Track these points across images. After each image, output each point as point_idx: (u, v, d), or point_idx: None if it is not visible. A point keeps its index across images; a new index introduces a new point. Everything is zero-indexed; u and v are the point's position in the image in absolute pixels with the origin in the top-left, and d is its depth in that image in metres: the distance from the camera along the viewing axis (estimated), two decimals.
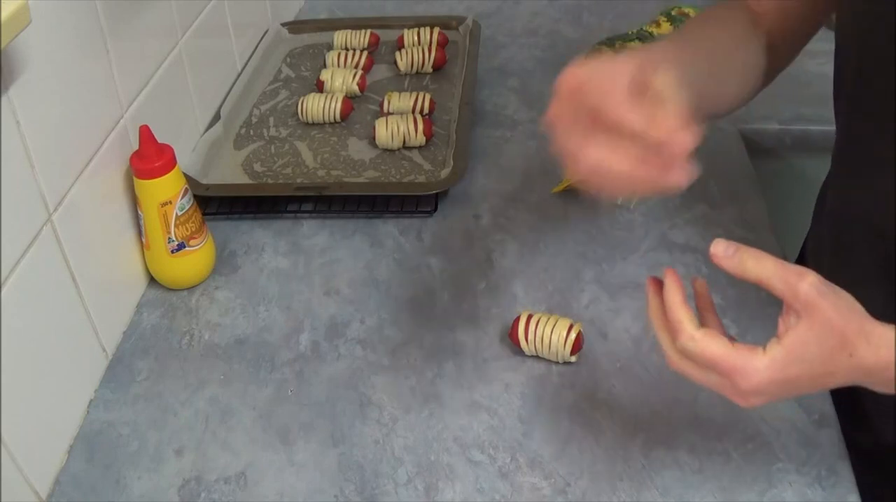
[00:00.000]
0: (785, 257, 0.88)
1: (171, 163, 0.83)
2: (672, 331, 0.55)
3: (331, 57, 1.22)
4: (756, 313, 0.81)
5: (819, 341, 0.52)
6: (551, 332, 0.75)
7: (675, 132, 0.51)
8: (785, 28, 0.74)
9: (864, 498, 0.66)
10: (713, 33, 0.72)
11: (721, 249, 0.54)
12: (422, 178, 1.00)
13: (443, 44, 1.24)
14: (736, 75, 0.72)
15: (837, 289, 0.53)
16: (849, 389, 0.74)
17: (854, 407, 0.75)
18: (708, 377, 0.55)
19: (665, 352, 0.57)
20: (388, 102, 1.10)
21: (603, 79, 0.56)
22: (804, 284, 0.52)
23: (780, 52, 0.75)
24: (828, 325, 0.52)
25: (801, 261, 0.90)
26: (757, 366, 0.53)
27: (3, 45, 0.57)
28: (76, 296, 0.75)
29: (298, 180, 1.00)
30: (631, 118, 0.52)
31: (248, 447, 0.72)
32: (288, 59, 1.26)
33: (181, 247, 0.86)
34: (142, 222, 0.85)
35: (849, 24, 0.68)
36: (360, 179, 1.00)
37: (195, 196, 0.88)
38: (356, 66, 1.20)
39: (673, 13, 1.34)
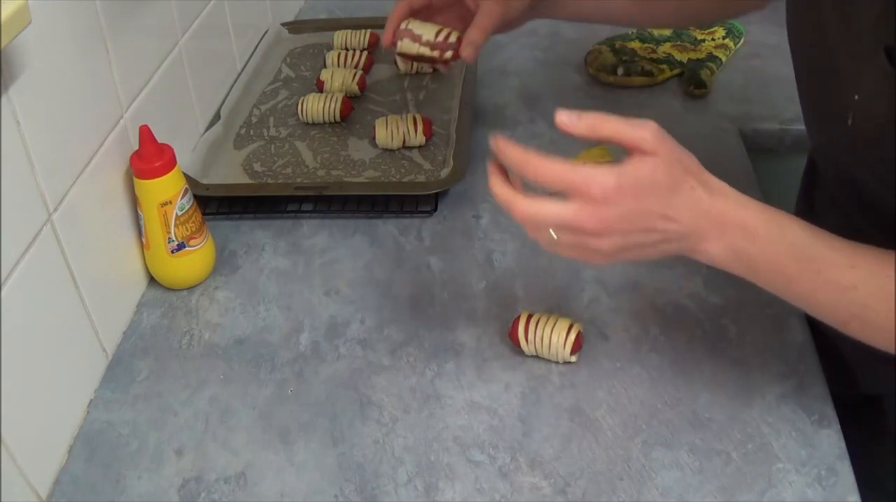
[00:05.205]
0: None
1: (171, 163, 0.83)
2: (520, 169, 0.59)
3: (331, 57, 1.22)
4: (756, 314, 0.81)
5: (666, 168, 0.56)
6: (551, 332, 0.75)
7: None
8: None
9: (850, 449, 0.67)
10: None
11: (565, 119, 0.58)
12: (422, 178, 1.00)
13: None
14: None
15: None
16: (831, 343, 0.75)
17: (837, 360, 0.77)
18: (559, 209, 0.57)
19: (512, 208, 0.59)
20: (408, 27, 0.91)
21: None
22: (648, 132, 0.56)
23: None
24: (674, 157, 0.57)
25: None
26: (605, 175, 0.55)
27: (3, 45, 0.57)
28: (76, 296, 0.75)
29: (298, 180, 1.00)
30: None
31: (248, 447, 0.72)
32: (288, 59, 1.26)
33: (181, 247, 0.86)
34: (142, 222, 0.85)
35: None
36: (360, 179, 1.00)
37: (195, 196, 0.88)
38: (356, 66, 1.20)
39: None
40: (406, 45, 0.87)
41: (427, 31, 0.86)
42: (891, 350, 0.57)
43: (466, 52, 0.84)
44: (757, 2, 0.86)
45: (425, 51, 0.86)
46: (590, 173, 0.56)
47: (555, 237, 0.59)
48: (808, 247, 0.57)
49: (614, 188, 0.55)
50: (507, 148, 0.59)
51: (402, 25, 0.87)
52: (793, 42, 0.72)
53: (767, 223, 0.58)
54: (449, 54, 0.86)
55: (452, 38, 0.86)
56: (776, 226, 0.58)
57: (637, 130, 0.56)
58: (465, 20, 0.87)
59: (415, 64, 1.20)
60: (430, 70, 1.20)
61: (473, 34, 0.84)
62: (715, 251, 0.58)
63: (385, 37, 0.88)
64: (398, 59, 1.21)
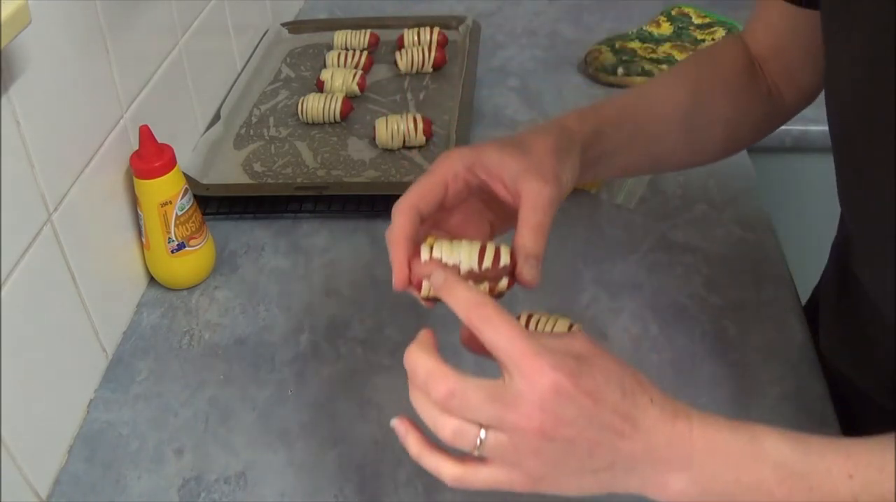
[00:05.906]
0: (784, 258, 0.88)
1: (171, 163, 0.83)
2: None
3: (331, 57, 1.22)
4: (756, 314, 0.81)
5: (620, 373, 0.47)
6: (551, 332, 0.75)
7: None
8: (787, 72, 0.71)
9: None
10: (662, 92, 0.71)
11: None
12: None
13: (443, 44, 1.24)
14: (677, 133, 0.70)
15: None
16: (847, 406, 0.73)
17: (853, 422, 0.74)
18: (497, 387, 0.46)
19: (434, 378, 0.48)
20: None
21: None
22: (578, 338, 0.48)
23: (785, 99, 0.72)
24: (619, 362, 0.47)
25: (814, 297, 0.87)
26: (563, 359, 0.45)
27: (2, 45, 0.57)
28: (76, 296, 0.75)
29: (298, 180, 1.00)
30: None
31: (248, 447, 0.72)
32: (288, 59, 1.26)
33: (181, 247, 0.86)
34: (142, 222, 0.85)
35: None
36: (360, 179, 1.00)
37: (195, 196, 0.88)
38: (356, 66, 1.20)
39: (673, 13, 1.34)
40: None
41: (464, 254, 0.55)
42: None
43: (529, 274, 0.55)
44: (801, 101, 0.73)
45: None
46: (545, 352, 0.45)
47: (480, 438, 0.47)
48: (796, 463, 0.47)
49: (569, 377, 0.45)
50: (456, 284, 0.49)
51: (423, 254, 0.55)
52: (837, 101, 0.60)
53: (742, 442, 0.48)
54: (504, 284, 0.56)
55: (505, 258, 0.55)
56: (754, 444, 0.48)
57: (568, 335, 0.49)
58: (492, 210, 0.61)
59: (415, 64, 1.20)
60: (431, 69, 1.20)
61: (529, 242, 0.55)
62: (679, 485, 0.47)
63: (397, 277, 0.55)
64: (398, 59, 1.20)
